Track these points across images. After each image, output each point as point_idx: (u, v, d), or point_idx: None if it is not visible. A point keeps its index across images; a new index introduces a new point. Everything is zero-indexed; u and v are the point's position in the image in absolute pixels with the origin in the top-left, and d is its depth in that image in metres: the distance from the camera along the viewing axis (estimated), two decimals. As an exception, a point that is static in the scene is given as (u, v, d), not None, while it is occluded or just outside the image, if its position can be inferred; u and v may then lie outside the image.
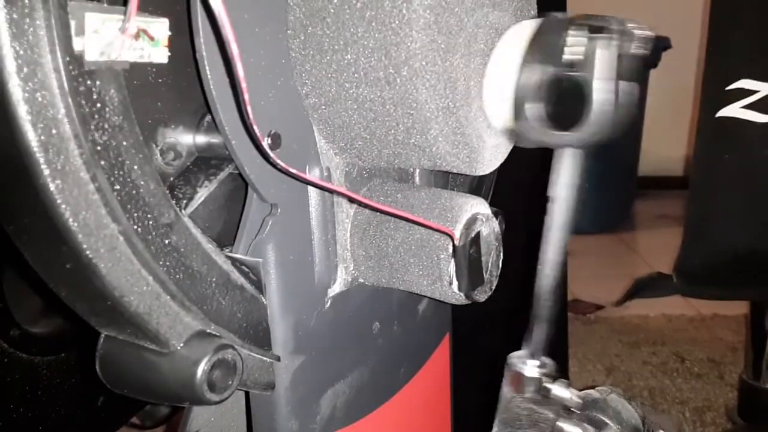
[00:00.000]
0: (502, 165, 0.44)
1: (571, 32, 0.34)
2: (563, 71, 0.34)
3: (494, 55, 0.37)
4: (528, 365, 0.40)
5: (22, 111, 0.26)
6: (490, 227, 0.42)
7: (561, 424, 0.39)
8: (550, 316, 0.40)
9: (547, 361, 0.41)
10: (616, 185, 2.47)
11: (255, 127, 0.31)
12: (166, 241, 0.33)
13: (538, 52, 0.35)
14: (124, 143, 0.30)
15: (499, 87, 0.37)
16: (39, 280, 0.32)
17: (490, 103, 0.38)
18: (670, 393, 1.39)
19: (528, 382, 0.40)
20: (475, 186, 0.57)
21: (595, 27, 0.33)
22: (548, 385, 0.40)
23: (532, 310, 0.40)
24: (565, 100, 0.34)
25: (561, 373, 0.41)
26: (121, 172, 0.30)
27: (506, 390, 0.41)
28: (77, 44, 0.28)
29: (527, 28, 0.37)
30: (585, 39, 0.33)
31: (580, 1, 0.88)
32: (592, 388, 0.43)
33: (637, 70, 0.33)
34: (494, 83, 0.37)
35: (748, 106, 0.87)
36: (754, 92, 0.87)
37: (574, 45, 0.33)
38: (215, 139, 0.39)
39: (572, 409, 0.39)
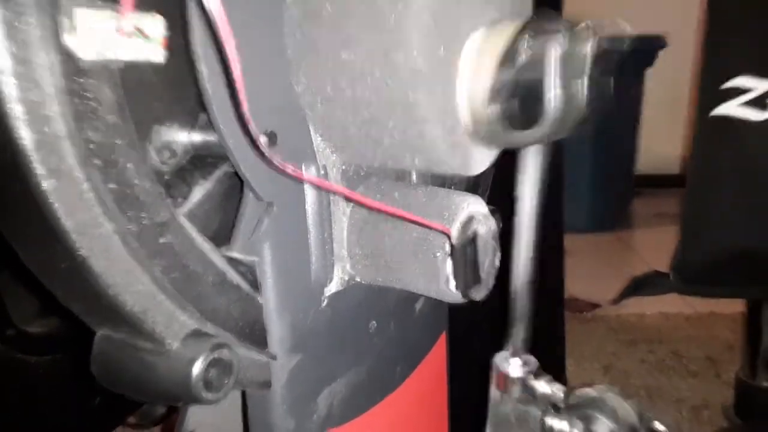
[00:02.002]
0: (500, 164, 0.44)
1: (521, 34, 0.34)
2: (517, 73, 0.35)
3: (461, 61, 0.38)
4: (511, 364, 0.40)
5: (16, 110, 0.26)
6: (487, 226, 0.42)
7: (549, 420, 0.39)
8: (528, 313, 0.40)
9: (530, 358, 0.41)
10: (614, 184, 2.48)
11: (251, 126, 0.31)
12: (162, 240, 0.33)
13: (487, 56, 0.36)
14: (119, 142, 0.30)
15: (464, 92, 0.37)
16: (35, 280, 0.32)
17: (461, 109, 0.38)
18: (667, 391, 1.40)
19: (513, 382, 0.40)
20: (472, 184, 0.57)
21: (545, 28, 0.34)
22: (533, 383, 0.40)
23: (510, 309, 0.40)
24: (522, 100, 0.35)
25: (558, 371, 0.41)
26: (116, 171, 0.30)
27: (493, 391, 0.41)
28: (71, 42, 0.28)
29: (482, 33, 0.38)
30: (534, 40, 0.34)
31: (576, 0, 0.88)
32: (589, 386, 0.43)
33: (587, 67, 0.34)
34: (462, 88, 0.38)
35: (744, 104, 0.88)
36: (749, 90, 0.87)
37: (525, 47, 0.34)
38: (211, 138, 0.39)
39: (559, 405, 0.40)
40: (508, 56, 0.35)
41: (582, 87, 0.35)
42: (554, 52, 0.33)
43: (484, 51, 0.36)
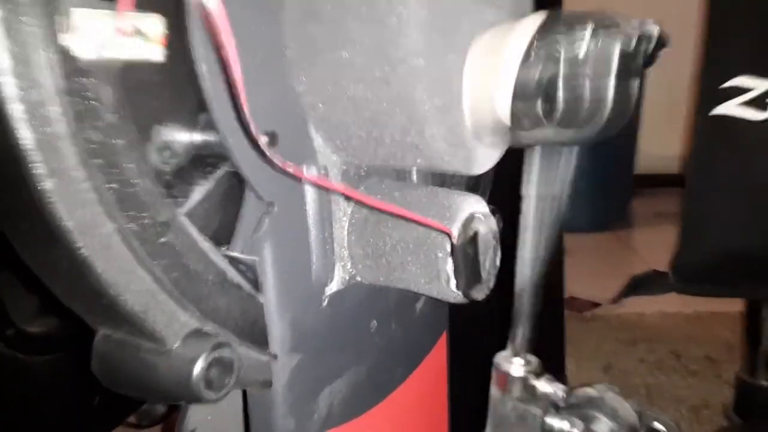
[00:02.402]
0: (500, 164, 0.44)
1: (573, 29, 0.33)
2: (565, 69, 0.34)
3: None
4: (513, 364, 0.40)
5: (16, 109, 0.26)
6: (487, 225, 0.42)
7: (549, 420, 0.39)
8: (532, 313, 0.40)
9: (532, 358, 0.41)
10: (613, 184, 2.48)
11: (251, 126, 0.31)
12: (162, 240, 0.33)
13: (540, 48, 0.35)
14: (119, 141, 0.30)
15: (500, 84, 0.36)
16: (35, 279, 0.32)
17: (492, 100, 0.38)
18: (667, 391, 1.40)
19: (514, 381, 0.40)
20: (473, 184, 0.57)
21: (599, 24, 0.33)
22: (534, 383, 0.40)
23: (513, 308, 0.40)
24: (567, 97, 0.34)
25: (558, 371, 0.41)
26: (116, 171, 0.30)
27: (494, 390, 0.41)
28: (71, 42, 0.28)
29: (531, 24, 0.37)
30: (588, 36, 0.33)
31: (575, 0, 0.88)
32: (589, 386, 0.43)
33: (640, 67, 0.33)
34: (495, 80, 0.37)
35: (743, 104, 0.88)
36: (749, 90, 0.87)
37: (577, 42, 0.33)
38: (212, 138, 0.39)
39: (559, 404, 0.40)
40: (556, 50, 0.33)
41: (632, 88, 0.33)
42: (610, 49, 0.32)
43: (528, 42, 0.35)
